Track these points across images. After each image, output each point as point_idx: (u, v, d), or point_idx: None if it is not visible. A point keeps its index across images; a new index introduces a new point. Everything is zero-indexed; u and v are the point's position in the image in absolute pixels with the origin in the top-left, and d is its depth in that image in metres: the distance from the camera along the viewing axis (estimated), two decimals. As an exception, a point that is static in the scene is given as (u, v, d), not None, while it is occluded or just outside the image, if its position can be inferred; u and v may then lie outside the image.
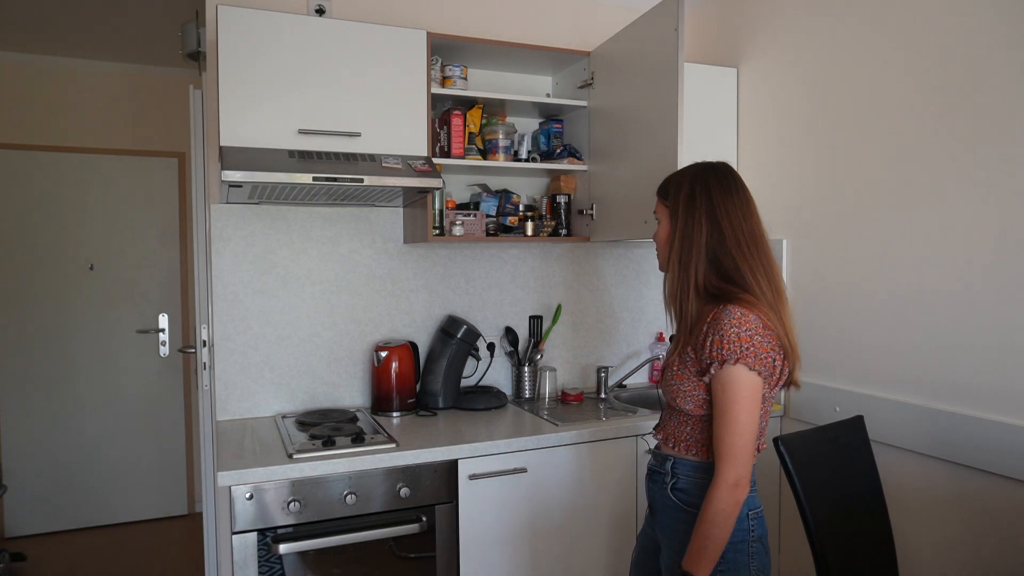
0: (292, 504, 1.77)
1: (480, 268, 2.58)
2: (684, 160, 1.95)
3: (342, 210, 2.38)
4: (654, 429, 1.56)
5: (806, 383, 2.26)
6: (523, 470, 2.02)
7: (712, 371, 1.32)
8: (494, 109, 2.46)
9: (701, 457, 1.40)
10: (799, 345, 1.41)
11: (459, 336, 2.39)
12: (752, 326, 1.30)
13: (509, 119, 2.51)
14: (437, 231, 2.29)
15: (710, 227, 1.37)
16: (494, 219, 2.45)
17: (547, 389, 2.57)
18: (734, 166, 2.50)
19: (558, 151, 2.46)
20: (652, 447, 1.57)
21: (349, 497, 1.83)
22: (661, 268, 1.49)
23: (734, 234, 1.36)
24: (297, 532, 1.79)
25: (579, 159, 2.45)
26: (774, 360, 1.33)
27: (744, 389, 1.30)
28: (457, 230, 2.30)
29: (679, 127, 1.95)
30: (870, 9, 2.04)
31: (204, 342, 2.36)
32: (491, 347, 2.57)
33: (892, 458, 1.95)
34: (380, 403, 2.31)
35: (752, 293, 1.35)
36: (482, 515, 1.98)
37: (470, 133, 2.36)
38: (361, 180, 1.89)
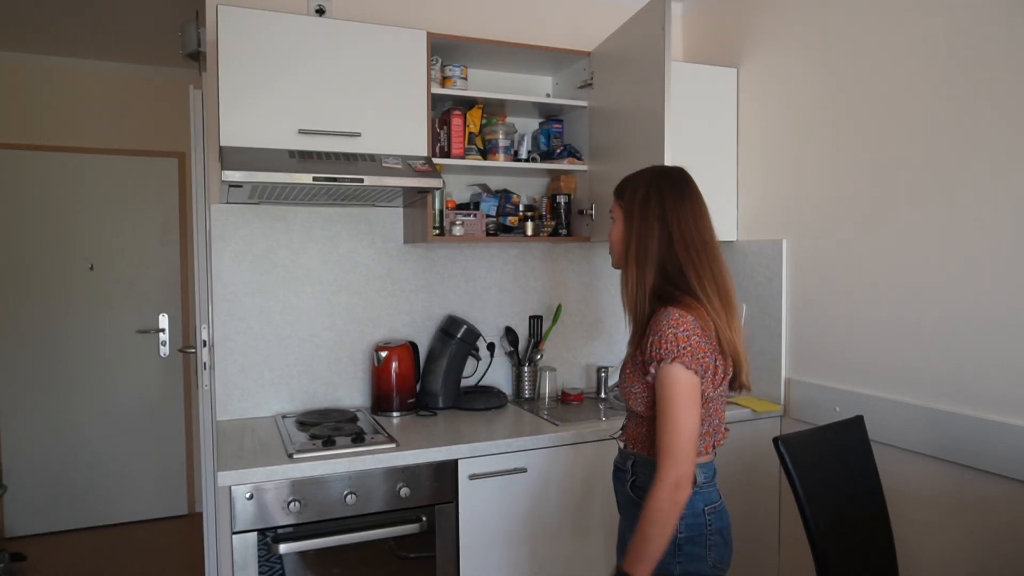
0: (292, 504, 1.77)
1: (480, 268, 2.58)
2: (673, 159, 1.96)
3: (342, 210, 2.38)
4: (620, 431, 1.59)
5: (806, 383, 2.26)
6: (523, 470, 2.02)
7: (652, 370, 1.35)
8: (494, 109, 2.46)
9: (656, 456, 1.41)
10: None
11: (459, 336, 2.39)
12: (689, 327, 1.33)
13: (509, 119, 2.51)
14: (437, 231, 2.29)
15: (660, 231, 1.41)
16: (494, 219, 2.45)
17: (547, 389, 2.56)
18: (734, 166, 2.55)
19: (558, 151, 2.46)
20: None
21: (349, 497, 1.83)
22: (615, 266, 1.53)
23: (682, 239, 1.39)
24: (297, 532, 1.79)
25: (579, 159, 2.45)
26: (714, 360, 1.36)
27: (681, 387, 1.32)
28: (457, 230, 2.30)
29: (665, 127, 1.95)
30: (870, 9, 2.04)
31: (204, 342, 2.36)
32: (491, 347, 2.57)
33: (892, 458, 1.95)
34: (380, 403, 2.31)
35: (695, 297, 1.37)
36: (482, 515, 1.98)
37: (470, 133, 2.36)
38: (361, 180, 1.89)
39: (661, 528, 1.29)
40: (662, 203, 1.42)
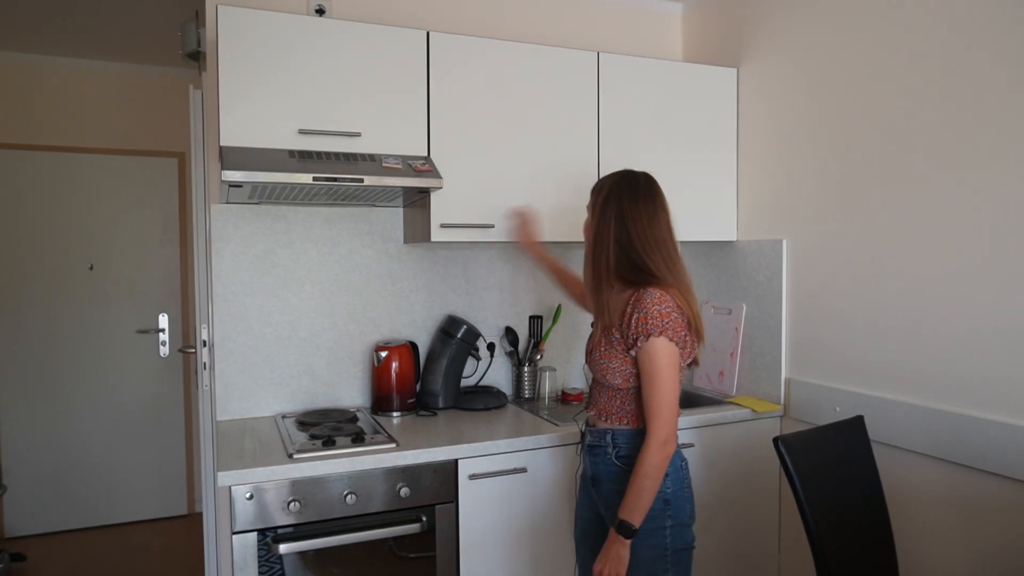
0: (292, 504, 1.77)
1: (480, 268, 2.58)
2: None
3: (342, 210, 2.38)
4: (586, 407, 1.74)
5: (806, 383, 2.26)
6: (523, 470, 2.02)
7: (639, 344, 1.52)
8: (494, 109, 2.46)
9: (634, 425, 1.61)
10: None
11: (459, 336, 2.39)
12: (670, 304, 1.53)
13: (509, 119, 2.51)
14: (437, 231, 2.28)
15: (618, 228, 1.59)
16: (494, 219, 2.45)
17: (547, 389, 2.57)
18: (734, 166, 2.55)
19: (558, 151, 2.45)
20: (584, 425, 1.74)
21: (349, 497, 1.83)
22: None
23: (638, 236, 1.58)
24: (297, 532, 1.79)
25: (579, 159, 2.45)
26: (685, 335, 1.55)
27: (667, 357, 1.51)
28: (457, 230, 2.29)
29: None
30: (871, 9, 2.04)
31: (204, 342, 2.36)
32: (491, 347, 2.57)
33: (892, 458, 1.95)
34: (380, 403, 2.31)
35: (663, 281, 1.56)
36: (482, 515, 1.98)
37: (470, 133, 2.35)
38: (361, 180, 1.89)
39: (654, 480, 1.49)
40: (619, 205, 1.60)
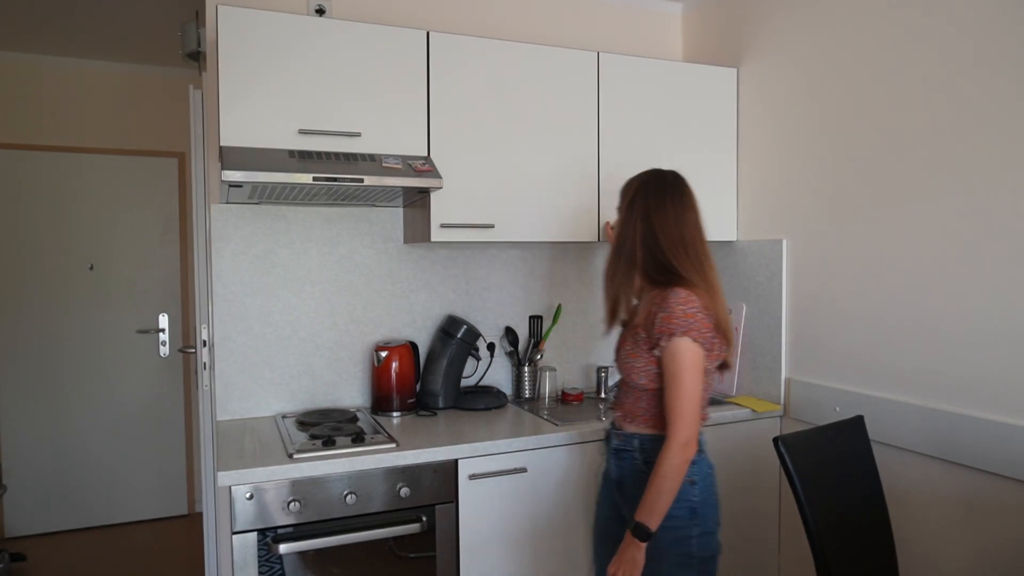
0: (292, 504, 1.77)
1: (480, 268, 2.58)
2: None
3: (342, 210, 2.39)
4: (612, 407, 1.72)
5: (806, 383, 2.26)
6: (523, 470, 2.02)
7: (662, 343, 1.50)
8: (494, 109, 2.46)
9: (661, 430, 1.55)
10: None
11: (459, 336, 2.39)
12: (695, 305, 1.50)
13: (509, 119, 2.51)
14: (437, 231, 2.28)
15: (644, 229, 1.58)
16: (494, 219, 2.45)
17: (547, 389, 2.57)
18: (734, 166, 2.55)
19: (558, 151, 2.45)
20: (610, 425, 1.72)
21: (349, 497, 1.83)
22: None
23: (665, 236, 1.57)
24: (297, 532, 1.79)
25: (579, 159, 2.45)
26: (712, 337, 1.53)
27: (690, 357, 1.48)
28: (457, 230, 2.29)
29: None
30: (870, 9, 2.04)
31: (204, 342, 2.36)
32: (491, 347, 2.57)
33: (892, 458, 1.95)
34: (380, 403, 2.31)
35: (689, 281, 1.54)
36: (482, 515, 1.98)
37: (470, 133, 2.35)
38: (361, 180, 1.89)
39: (673, 483, 1.46)
40: (646, 205, 1.59)
